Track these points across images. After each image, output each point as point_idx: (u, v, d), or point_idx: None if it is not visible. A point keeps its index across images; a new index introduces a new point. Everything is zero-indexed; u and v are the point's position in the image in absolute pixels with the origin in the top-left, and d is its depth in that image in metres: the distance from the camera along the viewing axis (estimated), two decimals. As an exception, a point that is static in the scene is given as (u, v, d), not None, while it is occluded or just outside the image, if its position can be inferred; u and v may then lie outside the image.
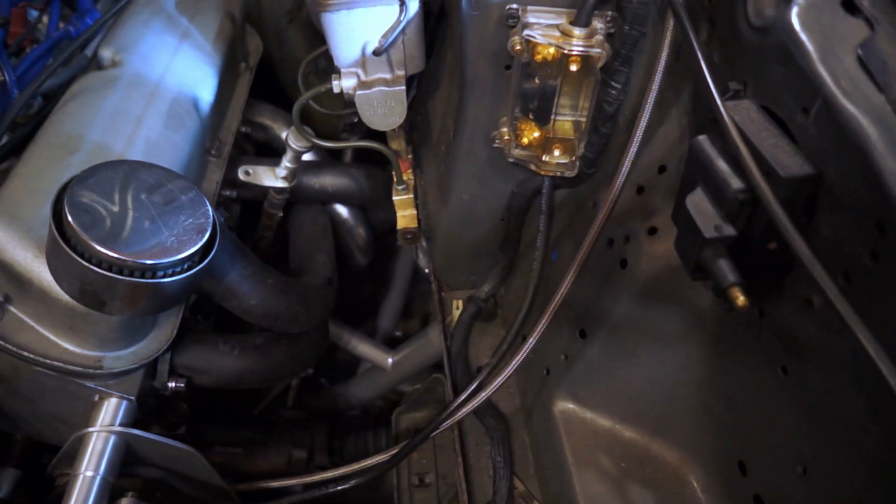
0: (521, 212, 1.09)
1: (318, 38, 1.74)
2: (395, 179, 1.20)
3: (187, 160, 1.09)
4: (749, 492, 0.77)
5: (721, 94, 0.67)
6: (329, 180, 1.41)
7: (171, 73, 1.18)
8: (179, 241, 0.75)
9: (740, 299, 0.59)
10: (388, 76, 1.01)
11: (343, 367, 1.78)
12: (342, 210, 1.54)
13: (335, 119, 1.61)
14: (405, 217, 1.21)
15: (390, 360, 1.54)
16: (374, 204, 1.52)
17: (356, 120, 1.65)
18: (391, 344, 1.63)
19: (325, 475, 1.12)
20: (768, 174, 0.59)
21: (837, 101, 0.55)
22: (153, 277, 0.73)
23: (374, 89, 1.01)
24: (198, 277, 0.79)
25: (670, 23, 0.78)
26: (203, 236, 0.77)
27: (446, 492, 1.14)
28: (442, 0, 1.10)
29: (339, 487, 1.12)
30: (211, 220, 0.79)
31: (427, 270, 1.53)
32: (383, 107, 1.03)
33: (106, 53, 1.15)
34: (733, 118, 0.64)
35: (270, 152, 1.55)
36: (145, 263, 0.72)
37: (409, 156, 1.26)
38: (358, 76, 1.01)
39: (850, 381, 0.58)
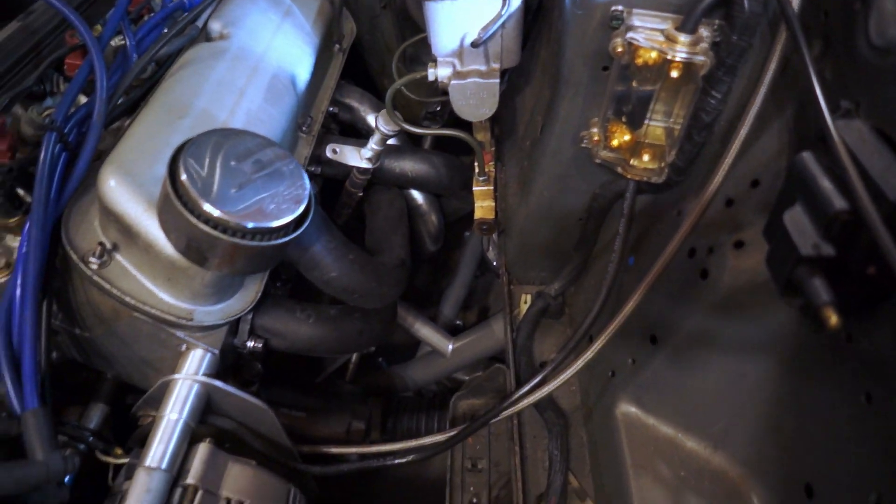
0: (600, 213, 1.09)
1: (408, 25, 1.78)
2: (476, 170, 1.23)
3: (282, 133, 1.14)
4: (814, 516, 0.76)
5: (832, 112, 0.66)
6: (409, 165, 1.44)
7: (273, 50, 1.23)
8: (279, 208, 0.79)
9: (833, 319, 0.58)
10: (483, 68, 1.03)
11: (400, 350, 1.82)
12: (417, 196, 1.58)
13: (417, 105, 1.64)
14: (483, 208, 1.23)
15: (451, 347, 1.57)
16: (450, 193, 1.55)
17: (438, 108, 1.70)
18: (451, 332, 1.66)
19: (382, 447, 1.16)
20: (876, 197, 0.58)
21: (960, 129, 0.54)
22: (251, 240, 0.77)
23: (468, 80, 1.03)
24: (290, 244, 0.83)
25: (782, 35, 0.77)
26: (300, 206, 0.81)
27: (497, 479, 1.16)
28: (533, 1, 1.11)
29: (396, 461, 1.15)
30: (307, 191, 0.83)
31: (495, 263, 1.55)
32: (476, 98, 1.05)
33: (215, 26, 1.22)
34: (843, 137, 0.63)
35: (354, 133, 1.60)
36: (246, 226, 0.77)
37: (492, 148, 1.28)
38: (454, 66, 1.03)
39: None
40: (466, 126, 1.28)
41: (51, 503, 0.81)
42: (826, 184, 0.63)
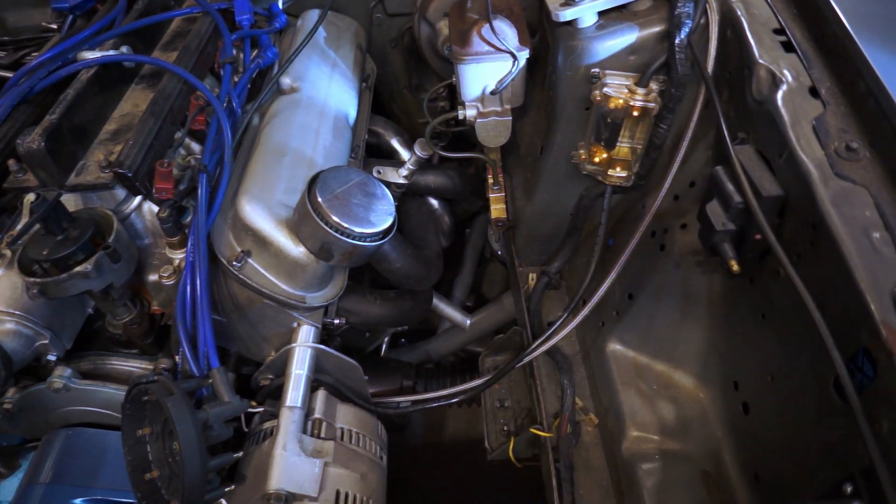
0: (586, 210, 1.49)
1: (413, 60, 2.16)
2: (490, 181, 1.62)
3: (346, 162, 1.52)
4: (740, 400, 1.17)
5: (732, 140, 1.07)
6: (432, 179, 1.82)
7: (331, 96, 1.60)
8: (378, 219, 1.17)
9: (735, 267, 0.99)
10: (499, 109, 1.42)
11: (416, 334, 2.19)
12: (433, 201, 1.96)
13: (423, 126, 2.02)
14: (497, 209, 1.62)
15: (468, 322, 1.96)
16: (462, 198, 1.94)
17: (442, 130, 2.08)
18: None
19: (432, 394, 1.54)
20: (756, 193, 0.98)
21: (797, 152, 0.94)
22: (363, 241, 1.15)
23: (489, 118, 1.42)
24: (382, 245, 1.21)
25: (702, 88, 1.17)
26: (391, 218, 1.19)
27: (520, 412, 1.56)
28: (532, 55, 1.50)
29: (442, 403, 1.54)
30: (393, 208, 1.21)
31: (500, 252, 1.94)
32: (495, 131, 1.44)
33: (286, 80, 1.58)
34: (738, 157, 1.04)
35: (379, 153, 1.97)
36: (360, 232, 1.14)
37: (500, 164, 1.67)
38: (478, 108, 1.42)
39: (797, 319, 0.98)
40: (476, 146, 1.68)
41: (223, 437, 1.16)
42: (729, 186, 1.03)
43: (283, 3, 1.76)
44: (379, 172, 1.68)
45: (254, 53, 1.59)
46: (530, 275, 1.66)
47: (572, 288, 1.58)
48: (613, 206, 1.47)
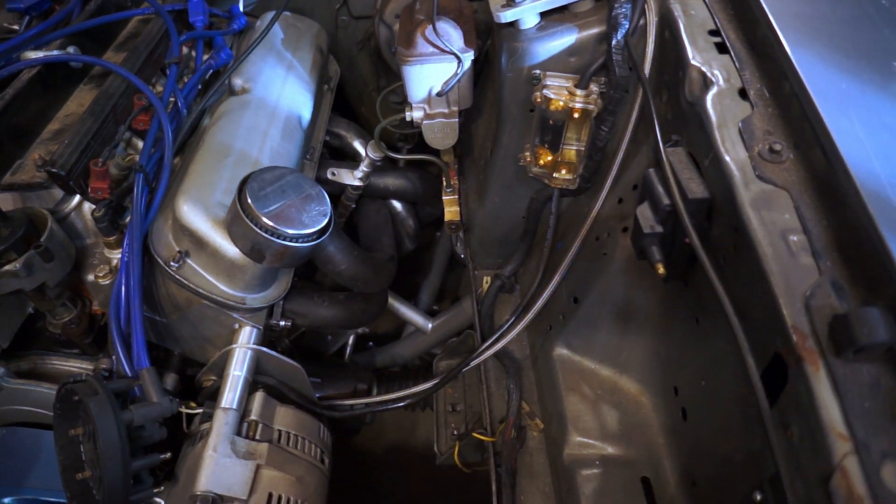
0: (537, 213, 1.48)
1: (381, 63, 2.15)
2: (444, 183, 1.60)
3: (296, 163, 1.51)
4: (679, 405, 1.16)
5: (665, 142, 1.06)
6: (391, 181, 1.81)
7: (284, 98, 1.59)
8: (312, 220, 1.16)
9: (661, 270, 0.98)
10: (446, 111, 1.41)
11: (386, 337, 2.19)
12: (397, 204, 1.95)
13: (391, 130, 2.02)
14: (451, 212, 1.61)
15: (430, 325, 1.94)
16: (423, 201, 1.92)
17: (408, 132, 2.07)
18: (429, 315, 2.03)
19: (384, 397, 1.53)
20: (683, 196, 0.97)
21: (721, 155, 0.93)
22: (295, 242, 1.14)
23: (435, 120, 1.41)
24: (317, 246, 1.20)
25: (640, 91, 1.16)
26: (325, 219, 1.18)
27: (471, 417, 1.54)
28: (480, 55, 1.49)
29: (393, 406, 1.52)
30: (329, 209, 1.20)
31: (462, 255, 1.93)
32: (441, 132, 1.43)
33: (237, 81, 1.57)
34: (670, 160, 1.02)
35: (342, 155, 1.96)
36: (291, 233, 1.13)
37: (455, 165, 1.66)
38: (424, 110, 1.41)
39: (724, 324, 0.96)
40: (434, 150, 1.67)
41: (155, 438, 1.15)
42: (659, 188, 1.02)
43: (246, 6, 1.75)
44: (333, 174, 1.67)
45: (207, 55, 1.59)
46: (485, 278, 1.65)
47: (525, 291, 1.57)
48: (564, 209, 1.45)
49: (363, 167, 1.63)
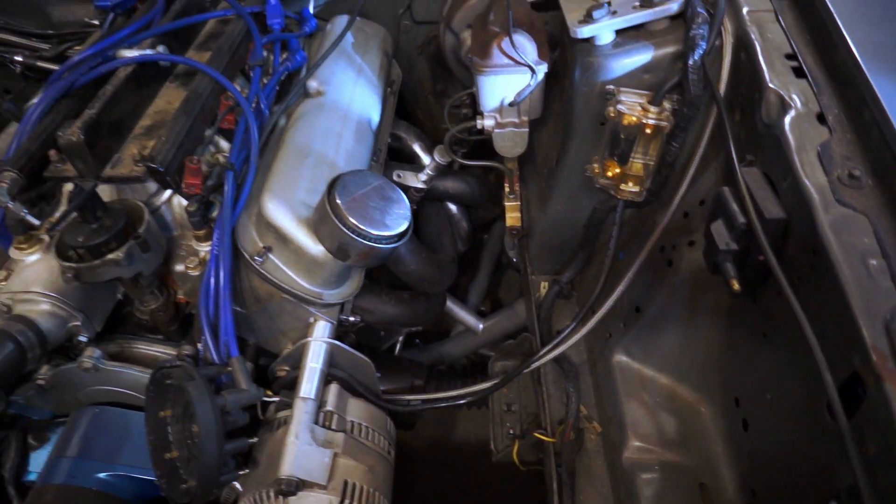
0: (599, 222, 1.52)
1: (439, 67, 2.21)
2: (507, 190, 1.66)
3: (367, 165, 1.57)
4: (740, 417, 1.19)
5: (740, 161, 1.10)
6: (451, 184, 1.86)
7: (355, 101, 1.65)
8: (394, 223, 1.22)
9: (735, 286, 1.02)
10: (516, 120, 1.46)
11: (434, 335, 2.24)
12: (452, 207, 2.01)
13: (445, 131, 2.07)
14: (512, 217, 1.66)
15: (481, 326, 2.00)
16: (479, 205, 1.98)
17: (465, 138, 2.12)
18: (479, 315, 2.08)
19: (443, 394, 1.58)
20: (759, 215, 1.01)
21: (800, 177, 0.96)
22: (379, 243, 1.20)
23: (506, 129, 1.46)
24: (397, 248, 1.26)
25: (714, 109, 1.20)
26: (406, 222, 1.24)
27: (526, 417, 1.60)
28: (552, 68, 1.54)
29: (450, 404, 1.58)
30: (409, 213, 1.26)
31: (515, 259, 1.98)
32: (511, 141, 1.48)
33: (312, 84, 1.64)
34: (745, 179, 1.06)
35: (401, 157, 2.02)
36: (376, 234, 1.20)
37: (517, 173, 1.71)
38: (496, 118, 1.46)
39: (796, 340, 1.00)
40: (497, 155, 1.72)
41: (239, 423, 1.22)
42: (734, 207, 1.06)
43: (314, 8, 1.81)
44: (399, 176, 1.73)
45: (283, 56, 1.65)
46: (542, 283, 1.70)
47: (582, 298, 1.62)
48: (626, 220, 1.50)
49: (428, 170, 1.69)
